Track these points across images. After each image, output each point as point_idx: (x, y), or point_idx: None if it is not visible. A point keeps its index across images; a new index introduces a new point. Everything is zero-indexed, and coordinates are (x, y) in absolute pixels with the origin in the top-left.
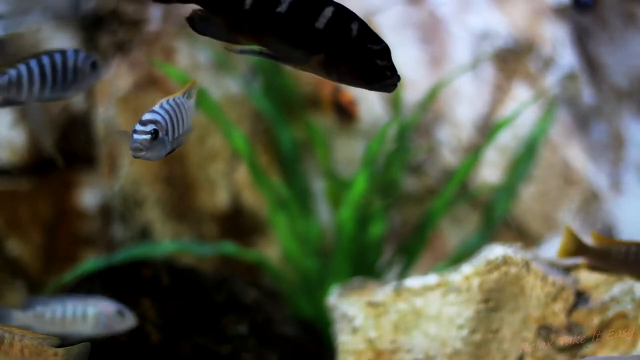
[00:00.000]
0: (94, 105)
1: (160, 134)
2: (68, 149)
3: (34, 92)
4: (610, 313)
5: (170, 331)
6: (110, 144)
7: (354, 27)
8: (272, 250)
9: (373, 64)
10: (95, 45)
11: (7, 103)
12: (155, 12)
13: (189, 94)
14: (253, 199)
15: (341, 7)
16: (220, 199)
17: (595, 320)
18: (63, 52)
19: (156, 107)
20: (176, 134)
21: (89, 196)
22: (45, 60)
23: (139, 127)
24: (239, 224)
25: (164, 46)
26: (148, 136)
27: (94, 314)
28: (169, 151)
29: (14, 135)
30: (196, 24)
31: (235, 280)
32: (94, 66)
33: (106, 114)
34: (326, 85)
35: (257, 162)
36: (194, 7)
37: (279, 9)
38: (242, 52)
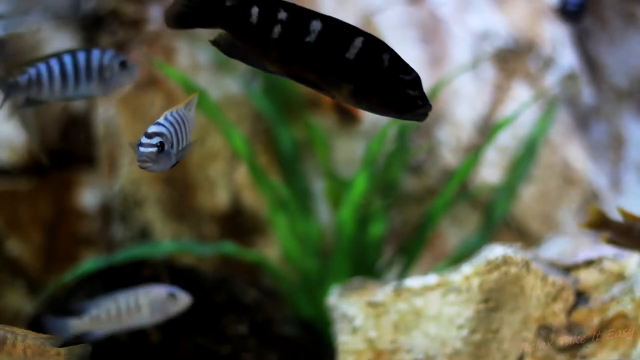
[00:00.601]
0: (94, 105)
1: (166, 147)
2: (68, 148)
3: (54, 91)
4: (610, 313)
5: (170, 331)
6: (110, 144)
7: (385, 57)
8: (272, 250)
9: (405, 94)
10: (95, 45)
11: (28, 102)
12: (155, 12)
13: (190, 106)
14: (253, 199)
15: (371, 37)
16: (220, 199)
17: (595, 320)
18: (88, 51)
19: (161, 120)
20: (180, 146)
21: (89, 196)
22: (67, 58)
23: (145, 140)
24: (239, 224)
25: (164, 46)
26: (154, 149)
27: (147, 303)
28: (174, 163)
29: (14, 135)
30: (222, 47)
31: (235, 280)
32: (123, 66)
33: (106, 114)
34: None
35: (257, 162)
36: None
37: (308, 39)
38: (272, 73)
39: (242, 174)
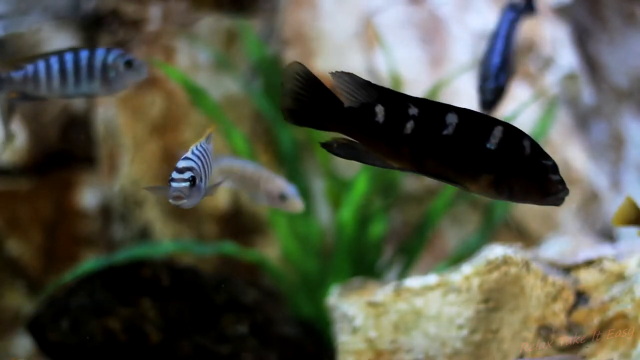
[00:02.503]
0: (94, 105)
1: (197, 181)
2: (68, 148)
3: (53, 87)
4: (610, 313)
5: (170, 331)
6: (110, 144)
7: (526, 144)
8: (272, 250)
9: (548, 180)
10: (95, 45)
11: (24, 98)
12: (155, 12)
13: (208, 139)
14: None
15: (509, 125)
16: (220, 198)
17: (595, 320)
18: (91, 50)
19: (189, 154)
20: (206, 179)
21: (89, 196)
22: (68, 56)
23: (176, 175)
24: (239, 224)
25: (164, 46)
26: (187, 184)
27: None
28: (203, 196)
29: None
30: (337, 150)
31: (235, 280)
32: (129, 65)
33: (106, 114)
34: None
35: (257, 162)
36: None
37: (445, 132)
38: (398, 169)
39: None
